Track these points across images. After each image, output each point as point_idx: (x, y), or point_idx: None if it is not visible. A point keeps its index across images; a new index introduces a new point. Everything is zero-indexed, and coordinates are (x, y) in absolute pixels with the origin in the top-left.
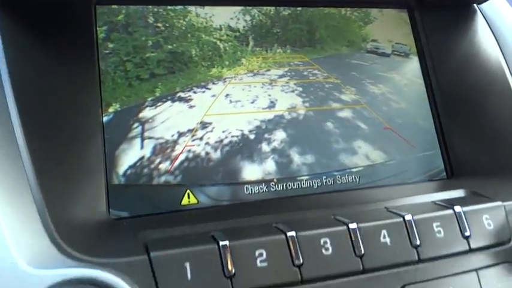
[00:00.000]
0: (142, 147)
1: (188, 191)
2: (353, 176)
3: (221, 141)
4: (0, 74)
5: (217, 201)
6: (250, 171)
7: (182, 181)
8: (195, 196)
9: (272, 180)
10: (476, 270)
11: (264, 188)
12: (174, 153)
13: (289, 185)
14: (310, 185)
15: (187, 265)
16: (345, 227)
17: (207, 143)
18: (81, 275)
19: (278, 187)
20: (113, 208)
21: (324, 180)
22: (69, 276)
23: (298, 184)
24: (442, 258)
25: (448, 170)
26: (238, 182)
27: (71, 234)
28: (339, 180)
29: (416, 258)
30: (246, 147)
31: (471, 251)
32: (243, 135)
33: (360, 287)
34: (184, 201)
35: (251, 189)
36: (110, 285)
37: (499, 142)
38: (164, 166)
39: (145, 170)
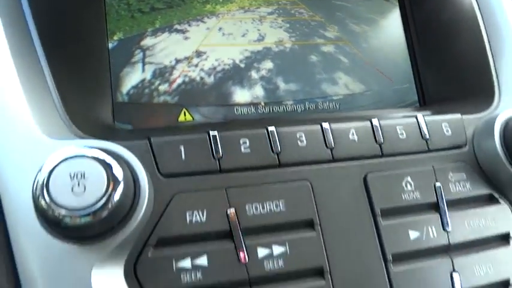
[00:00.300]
0: (143, 70)
1: (184, 109)
2: (333, 103)
3: (214, 68)
4: (22, 4)
5: (210, 119)
6: (240, 95)
7: (179, 101)
8: (190, 114)
9: (260, 104)
10: (432, 165)
11: (253, 109)
12: (172, 77)
13: (275, 108)
14: (294, 109)
15: (182, 148)
16: (318, 126)
17: (201, 69)
18: (93, 145)
19: (265, 109)
20: (117, 121)
21: (307, 106)
22: (82, 145)
23: (283, 108)
24: (402, 155)
25: (420, 101)
26: (229, 104)
27: (83, 126)
28: (321, 106)
29: (380, 153)
30: (236, 74)
31: (429, 151)
32: (234, 63)
33: (329, 173)
34: (181, 118)
35: (241, 110)
36: (118, 154)
37: (465, 74)
38: (163, 88)
39: (146, 91)
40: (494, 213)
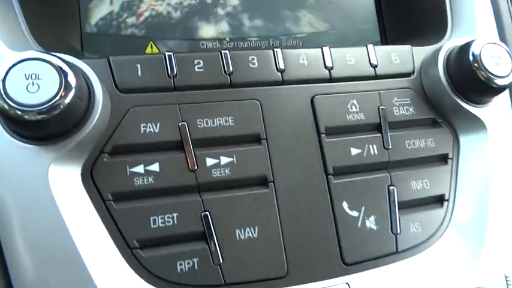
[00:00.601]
0: (111, 3)
1: (151, 42)
2: (297, 40)
3: (181, 3)
4: None
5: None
6: (206, 30)
7: (146, 34)
8: (157, 47)
9: (225, 39)
10: (378, 91)
11: (218, 44)
12: (140, 10)
13: (239, 44)
14: (258, 45)
15: (139, 66)
16: (270, 51)
17: (168, 4)
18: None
19: (230, 45)
20: (86, 51)
21: (272, 42)
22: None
23: (248, 43)
24: (350, 80)
25: (383, 40)
26: (195, 38)
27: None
28: (285, 43)
29: (328, 77)
30: (203, 10)
31: (377, 77)
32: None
33: (278, 93)
34: (148, 50)
35: (206, 44)
36: (75, 65)
37: (424, 12)
38: (131, 20)
39: (114, 23)
40: (435, 136)
